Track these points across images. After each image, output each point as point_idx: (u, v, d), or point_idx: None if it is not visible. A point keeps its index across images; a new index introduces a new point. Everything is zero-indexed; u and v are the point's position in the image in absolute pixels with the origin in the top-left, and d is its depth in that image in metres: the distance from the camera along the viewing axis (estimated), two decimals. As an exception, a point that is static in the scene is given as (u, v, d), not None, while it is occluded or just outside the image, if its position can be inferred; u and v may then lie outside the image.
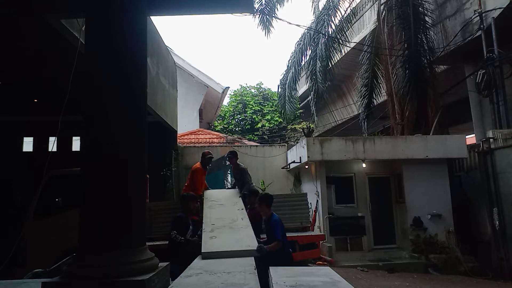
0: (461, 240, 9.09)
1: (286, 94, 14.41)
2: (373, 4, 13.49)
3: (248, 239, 4.07)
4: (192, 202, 5.20)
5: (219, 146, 13.65)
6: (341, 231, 9.54)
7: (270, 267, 3.43)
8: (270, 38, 13.69)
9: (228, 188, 7.98)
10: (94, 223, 2.62)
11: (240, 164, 7.18)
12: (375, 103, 13.77)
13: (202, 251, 3.70)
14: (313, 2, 14.34)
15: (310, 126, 14.66)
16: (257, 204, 5.00)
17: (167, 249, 4.64)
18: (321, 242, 8.46)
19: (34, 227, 6.33)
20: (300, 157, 10.33)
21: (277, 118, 22.07)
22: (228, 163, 12.22)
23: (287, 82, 14.27)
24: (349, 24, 13.05)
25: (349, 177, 10.07)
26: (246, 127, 23.10)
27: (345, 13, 13.00)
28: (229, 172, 12.06)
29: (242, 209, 5.19)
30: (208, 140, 15.17)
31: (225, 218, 4.82)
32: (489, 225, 8.83)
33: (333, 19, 12.60)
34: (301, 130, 19.18)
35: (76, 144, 11.68)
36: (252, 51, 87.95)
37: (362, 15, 14.57)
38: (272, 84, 74.04)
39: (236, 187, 7.08)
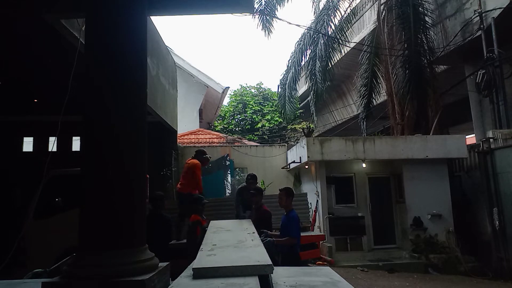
0: (461, 240, 9.10)
1: (286, 94, 14.41)
2: (373, 4, 13.49)
3: (257, 256, 3.22)
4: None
5: (219, 146, 13.66)
6: (341, 231, 9.54)
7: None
8: (270, 38, 13.68)
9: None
10: (94, 223, 2.61)
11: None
12: (375, 103, 13.78)
13: (194, 267, 2.86)
14: (313, 2, 14.34)
15: (310, 126, 14.66)
16: (283, 197, 4.86)
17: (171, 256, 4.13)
18: (321, 242, 8.46)
19: (34, 227, 6.33)
20: (300, 157, 10.33)
21: (277, 118, 22.08)
22: (228, 163, 12.27)
23: (287, 82, 14.28)
24: (349, 24, 13.07)
25: (349, 177, 10.07)
26: (246, 127, 23.12)
27: (345, 13, 13.01)
28: (229, 172, 12.08)
29: (254, 232, 4.41)
30: (208, 140, 15.18)
31: (231, 239, 4.02)
32: (489, 225, 8.84)
33: (332, 19, 12.61)
34: (301, 130, 19.20)
35: (76, 144, 11.68)
36: (252, 51, 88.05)
37: (362, 15, 14.57)
38: (272, 84, 74.05)
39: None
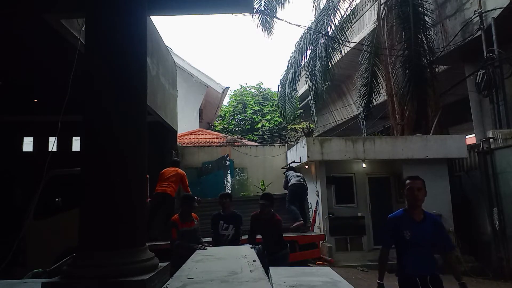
0: (461, 240, 9.09)
1: (286, 94, 14.42)
2: (373, 4, 13.49)
3: None
4: None
5: (219, 146, 13.66)
6: (341, 231, 9.54)
7: (270, 267, 3.41)
8: (270, 39, 13.66)
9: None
10: (94, 223, 2.61)
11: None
12: (375, 103, 13.78)
13: None
14: (314, 3, 14.33)
15: (310, 126, 14.67)
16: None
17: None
18: (321, 242, 8.46)
19: (34, 227, 6.33)
20: (300, 157, 10.33)
21: (277, 118, 22.08)
22: (228, 163, 12.27)
23: (287, 82, 14.28)
24: (349, 24, 13.06)
25: (349, 177, 10.07)
26: (246, 127, 23.12)
27: (345, 13, 13.00)
28: (229, 172, 12.07)
29: (255, 261, 3.38)
30: (208, 140, 15.18)
31: (218, 271, 2.98)
32: (489, 225, 8.83)
33: (332, 19, 12.61)
34: (301, 130, 19.20)
35: (76, 144, 11.68)
36: (252, 51, 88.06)
37: (362, 15, 14.57)
38: (272, 84, 74.12)
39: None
